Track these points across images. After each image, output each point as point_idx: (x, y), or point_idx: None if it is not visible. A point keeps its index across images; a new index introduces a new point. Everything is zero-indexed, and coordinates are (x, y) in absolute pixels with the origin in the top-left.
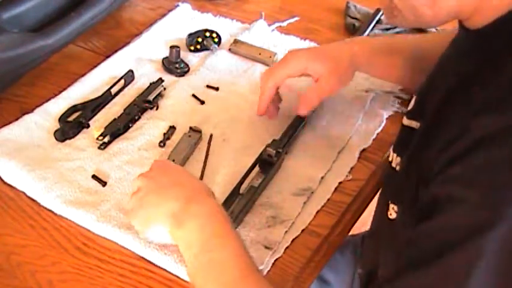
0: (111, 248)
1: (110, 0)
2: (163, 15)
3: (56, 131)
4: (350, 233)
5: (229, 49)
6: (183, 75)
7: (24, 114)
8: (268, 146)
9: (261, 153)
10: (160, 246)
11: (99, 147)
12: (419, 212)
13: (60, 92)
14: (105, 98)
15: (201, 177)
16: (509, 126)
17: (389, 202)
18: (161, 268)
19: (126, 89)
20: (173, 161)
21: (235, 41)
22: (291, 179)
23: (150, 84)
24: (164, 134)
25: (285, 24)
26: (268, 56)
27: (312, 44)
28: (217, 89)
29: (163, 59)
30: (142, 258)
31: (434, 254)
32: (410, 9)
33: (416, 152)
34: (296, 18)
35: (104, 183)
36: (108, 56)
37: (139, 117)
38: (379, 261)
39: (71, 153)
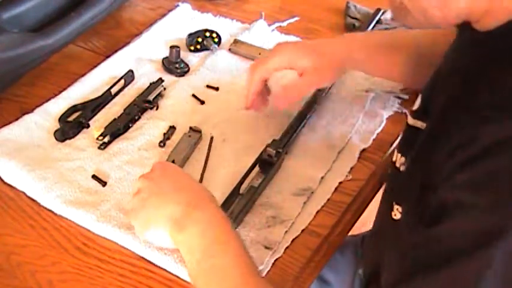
0: (111, 248)
1: (110, 0)
2: (163, 15)
3: (56, 131)
4: (350, 233)
5: (229, 49)
6: (183, 75)
7: (24, 114)
8: (268, 146)
9: (261, 153)
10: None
11: (99, 147)
12: (428, 217)
13: (60, 92)
14: (105, 98)
15: (201, 180)
16: None
17: (394, 203)
18: (161, 268)
19: (126, 89)
20: (173, 161)
21: (235, 41)
22: (291, 179)
23: (150, 84)
24: (164, 134)
25: (285, 24)
26: None
27: None
28: (217, 89)
29: (163, 59)
30: (142, 258)
31: (442, 260)
32: (420, 10)
33: (422, 153)
34: (296, 18)
35: (104, 183)
36: (108, 56)
37: (139, 117)
38: (382, 262)
39: (71, 153)
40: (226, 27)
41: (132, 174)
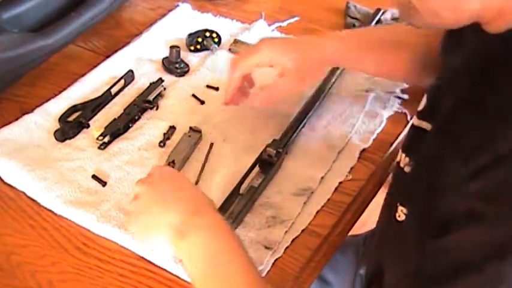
0: (111, 248)
1: (110, 0)
2: (163, 15)
3: (56, 131)
4: (351, 234)
5: (229, 49)
6: (183, 75)
7: (24, 114)
8: (268, 146)
9: (261, 153)
10: None
11: (99, 147)
12: (435, 225)
13: (60, 92)
14: (105, 98)
15: (196, 182)
16: None
17: (398, 204)
18: (161, 268)
19: (126, 89)
20: (173, 161)
21: (235, 41)
22: (291, 179)
23: (150, 84)
24: (164, 134)
25: (285, 24)
26: None
27: None
28: (217, 89)
29: (163, 59)
30: (142, 258)
31: (449, 273)
32: (430, 11)
33: (429, 155)
34: (296, 18)
35: (104, 183)
36: (108, 56)
37: (139, 117)
38: (385, 262)
39: (71, 153)
40: (226, 27)
41: (132, 174)
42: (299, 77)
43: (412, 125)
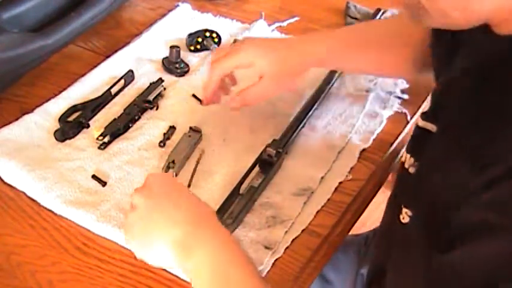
0: (111, 248)
1: (110, 0)
2: (163, 15)
3: (56, 131)
4: (353, 233)
5: None
6: (183, 75)
7: (24, 114)
8: (268, 146)
9: (261, 153)
10: None
11: (99, 147)
12: (446, 236)
13: (60, 92)
14: (105, 98)
15: (189, 186)
16: None
17: (402, 206)
18: (161, 268)
19: (126, 89)
20: (173, 161)
21: (235, 41)
22: (291, 179)
23: (150, 84)
24: (164, 134)
25: (285, 24)
26: None
27: None
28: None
29: (163, 59)
30: None
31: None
32: (439, 12)
33: (435, 157)
34: (296, 18)
35: (104, 183)
36: (108, 56)
37: (139, 117)
38: (387, 264)
39: (71, 153)
40: (226, 27)
41: (132, 174)
42: (278, 80)
43: (417, 126)
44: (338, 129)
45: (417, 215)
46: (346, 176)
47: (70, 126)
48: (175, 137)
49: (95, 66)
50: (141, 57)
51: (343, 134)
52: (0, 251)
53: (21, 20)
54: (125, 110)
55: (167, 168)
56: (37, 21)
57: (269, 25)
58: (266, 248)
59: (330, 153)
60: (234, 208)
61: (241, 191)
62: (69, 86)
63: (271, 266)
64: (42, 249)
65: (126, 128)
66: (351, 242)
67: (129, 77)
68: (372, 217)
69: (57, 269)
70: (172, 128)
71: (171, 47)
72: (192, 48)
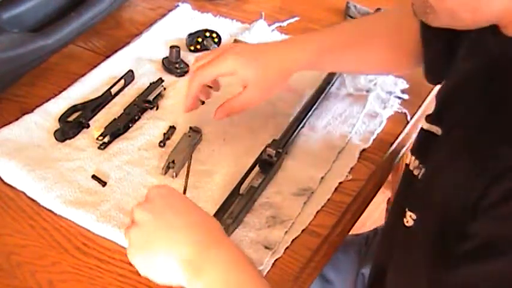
0: (111, 248)
1: (110, 0)
2: (163, 15)
3: (56, 131)
4: (354, 233)
5: None
6: (183, 75)
7: (24, 114)
8: (268, 146)
9: (261, 153)
10: None
11: (99, 147)
12: (467, 248)
13: (60, 92)
14: (105, 98)
15: (184, 191)
16: None
17: (407, 209)
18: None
19: (126, 89)
20: (173, 161)
21: (235, 41)
22: (291, 179)
23: (150, 84)
24: (164, 134)
25: (285, 24)
26: None
27: None
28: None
29: (163, 59)
30: None
31: None
32: (448, 12)
33: (442, 162)
34: (296, 18)
35: (103, 183)
36: (108, 56)
37: (139, 117)
38: (389, 265)
39: (71, 153)
40: (226, 27)
41: (132, 174)
42: (262, 88)
43: (422, 129)
44: (338, 129)
45: (422, 219)
46: (346, 176)
47: (70, 126)
48: (175, 137)
49: (95, 66)
50: (141, 57)
51: (343, 134)
52: (0, 251)
53: (21, 20)
54: (124, 110)
55: (167, 168)
56: (37, 21)
57: (269, 25)
58: (266, 248)
59: (330, 153)
60: (234, 208)
61: (241, 191)
62: (69, 86)
63: (271, 266)
64: (42, 249)
65: (126, 128)
66: (351, 241)
67: (129, 77)
68: (372, 217)
69: (57, 269)
70: (172, 128)
71: (171, 47)
72: (192, 48)
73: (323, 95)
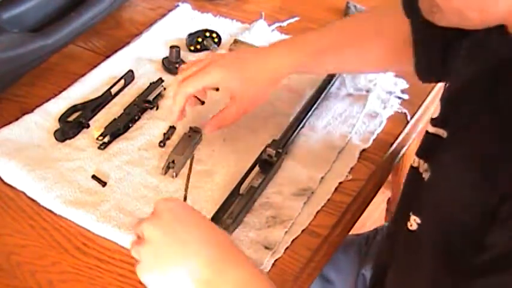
0: (111, 248)
1: (110, 0)
2: (163, 15)
3: (56, 131)
4: (354, 233)
5: (229, 49)
6: None
7: (24, 114)
8: (268, 146)
9: (261, 153)
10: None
11: (99, 147)
12: (485, 259)
13: (60, 92)
14: (105, 98)
15: (185, 199)
16: None
17: (411, 212)
18: None
19: (126, 89)
20: (173, 161)
21: (235, 41)
22: (291, 179)
23: (150, 84)
24: (164, 134)
25: (285, 24)
26: None
27: None
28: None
29: (163, 59)
30: None
31: None
32: (455, 11)
33: (448, 167)
34: (296, 18)
35: (103, 184)
36: (108, 56)
37: (139, 117)
38: (391, 267)
39: (71, 153)
40: (226, 27)
41: (132, 174)
42: (250, 99)
43: (427, 132)
44: (338, 129)
45: (426, 224)
46: (346, 176)
47: (70, 126)
48: (175, 137)
49: (95, 66)
50: (141, 57)
51: (343, 134)
52: (0, 251)
53: (21, 20)
54: (124, 110)
55: (167, 168)
56: (37, 21)
57: (269, 25)
58: (266, 248)
59: (330, 153)
60: (234, 208)
61: (241, 191)
62: (69, 86)
63: (271, 266)
64: (42, 249)
65: (126, 128)
66: (352, 241)
67: (129, 77)
68: (372, 217)
69: (57, 269)
70: (172, 128)
71: (171, 47)
72: (192, 48)
73: (323, 95)
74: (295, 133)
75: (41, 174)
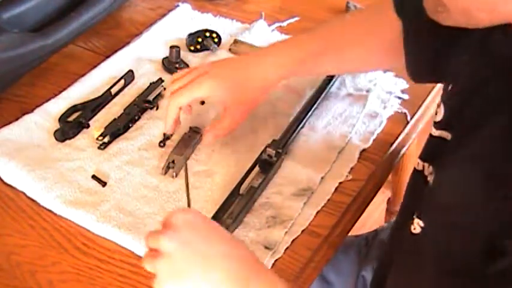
0: (111, 248)
1: (109, 0)
2: (163, 15)
3: (56, 131)
4: (354, 234)
5: (229, 49)
6: None
7: (24, 114)
8: (268, 146)
9: (261, 153)
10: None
11: (99, 147)
12: (501, 267)
13: (60, 92)
14: (105, 98)
15: (188, 205)
16: None
17: (414, 216)
18: None
19: (126, 89)
20: (173, 161)
21: (235, 41)
22: (291, 179)
23: (150, 84)
24: (164, 134)
25: (285, 24)
26: None
27: None
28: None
29: (163, 59)
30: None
31: None
32: (463, 11)
33: (454, 170)
34: (296, 18)
35: (103, 184)
36: (108, 56)
37: (139, 117)
38: (392, 269)
39: (71, 153)
40: (226, 27)
41: (132, 174)
42: (243, 108)
43: (431, 136)
44: (338, 129)
45: (430, 227)
46: (346, 176)
47: (70, 126)
48: (176, 137)
49: (95, 66)
50: (141, 57)
51: (343, 134)
52: (0, 251)
53: (21, 20)
54: (124, 110)
55: (167, 168)
56: (37, 21)
57: (269, 25)
58: (266, 248)
59: (330, 153)
60: (234, 208)
61: (241, 191)
62: (69, 86)
63: (271, 266)
64: (42, 249)
65: (126, 128)
66: (351, 243)
67: (129, 77)
68: (372, 217)
69: (57, 269)
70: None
71: (171, 47)
72: (192, 48)
73: (323, 95)
74: (295, 133)
75: (41, 174)
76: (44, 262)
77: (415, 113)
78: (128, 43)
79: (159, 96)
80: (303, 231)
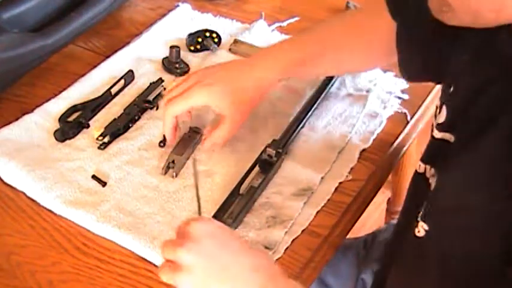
0: (111, 248)
1: (109, 0)
2: (163, 15)
3: (56, 131)
4: (353, 236)
5: (229, 49)
6: (183, 75)
7: (24, 114)
8: (268, 146)
9: (261, 153)
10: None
11: (99, 147)
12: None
13: (60, 92)
14: (105, 98)
15: (199, 212)
16: None
17: (418, 218)
18: None
19: (126, 89)
20: (173, 161)
21: (235, 41)
22: (291, 179)
23: (150, 84)
24: (164, 134)
25: (285, 24)
26: None
27: None
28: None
29: (163, 59)
30: (142, 258)
31: None
32: (470, 11)
33: (458, 172)
34: (296, 18)
35: (103, 184)
36: (108, 56)
37: (139, 117)
38: (393, 272)
39: (71, 153)
40: (226, 27)
41: (132, 174)
42: (240, 114)
43: (433, 138)
44: (338, 129)
45: (434, 230)
46: (346, 176)
47: (70, 126)
48: (176, 137)
49: (95, 66)
50: (141, 57)
51: (343, 134)
52: (0, 251)
53: (21, 20)
54: (124, 110)
55: (167, 168)
56: (37, 21)
57: (269, 25)
58: (266, 248)
59: (330, 153)
60: (234, 208)
61: (241, 191)
62: (69, 86)
63: None
64: (42, 249)
65: (126, 128)
66: (350, 245)
67: (129, 77)
68: (372, 217)
69: (57, 269)
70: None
71: (171, 47)
72: (192, 48)
73: (323, 95)
74: (295, 133)
75: (41, 174)
76: (44, 262)
77: (415, 113)
78: (128, 43)
79: (159, 96)
80: (303, 231)
